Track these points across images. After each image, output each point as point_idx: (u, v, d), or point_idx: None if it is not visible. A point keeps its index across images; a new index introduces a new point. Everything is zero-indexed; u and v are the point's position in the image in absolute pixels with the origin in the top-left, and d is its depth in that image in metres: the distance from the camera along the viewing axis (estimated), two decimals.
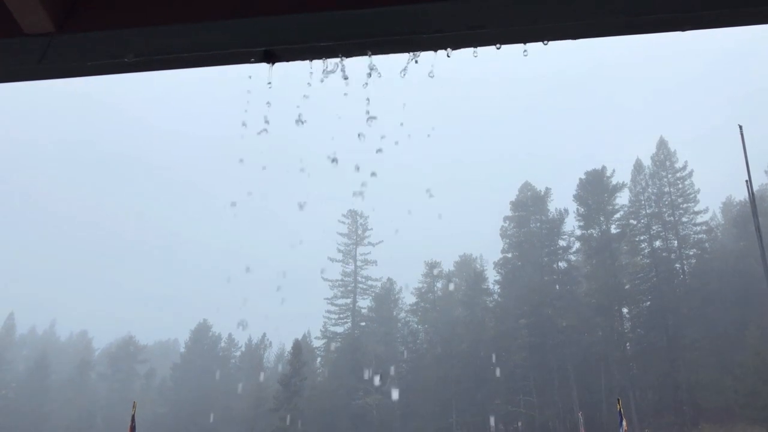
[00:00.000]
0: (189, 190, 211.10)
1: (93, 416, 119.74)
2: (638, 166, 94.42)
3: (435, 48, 1.96)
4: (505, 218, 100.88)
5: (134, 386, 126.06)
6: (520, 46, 1.99)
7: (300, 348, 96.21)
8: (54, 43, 1.85)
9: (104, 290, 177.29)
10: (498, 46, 1.91)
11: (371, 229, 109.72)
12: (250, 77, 2.15)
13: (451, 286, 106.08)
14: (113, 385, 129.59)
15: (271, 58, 2.04)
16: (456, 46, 1.95)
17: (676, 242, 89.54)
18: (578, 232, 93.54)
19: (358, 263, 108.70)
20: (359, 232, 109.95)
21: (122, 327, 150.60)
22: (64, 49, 1.86)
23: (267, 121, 2.46)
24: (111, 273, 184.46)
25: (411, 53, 2.05)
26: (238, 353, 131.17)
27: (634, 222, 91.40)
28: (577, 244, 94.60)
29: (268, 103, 2.51)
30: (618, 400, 23.53)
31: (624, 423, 21.26)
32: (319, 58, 2.11)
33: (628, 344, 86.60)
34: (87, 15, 1.81)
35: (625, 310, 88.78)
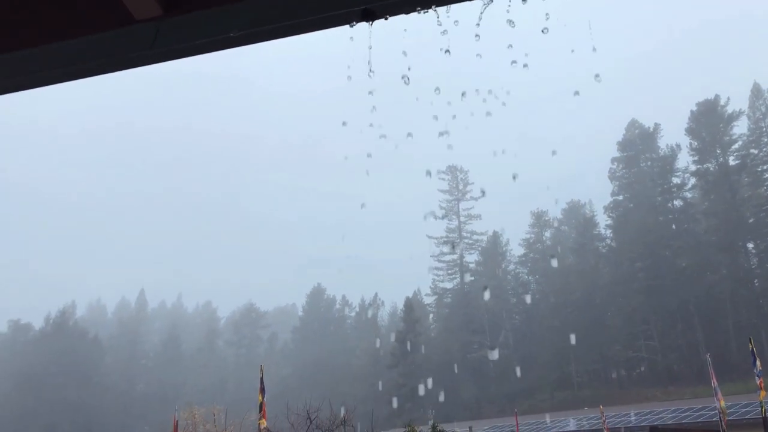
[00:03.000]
0: (293, 157, 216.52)
1: (224, 381, 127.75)
2: (756, 92, 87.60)
3: None
4: (613, 160, 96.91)
5: (258, 350, 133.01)
6: None
7: (411, 305, 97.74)
8: (163, 26, 1.90)
9: (224, 261, 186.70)
10: None
11: (472, 183, 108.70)
12: (351, 38, 2.13)
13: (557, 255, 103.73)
14: (239, 350, 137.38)
15: (369, 16, 2.02)
16: None
17: None
18: (693, 168, 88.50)
19: (462, 218, 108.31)
20: (460, 187, 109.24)
21: (243, 295, 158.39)
22: (172, 32, 1.91)
23: (372, 71, 2.45)
24: (229, 244, 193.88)
25: None
26: (353, 313, 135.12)
27: (755, 151, 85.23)
28: (693, 180, 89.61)
29: (370, 70, 2.49)
30: (750, 339, 22.29)
31: (758, 363, 20.10)
32: (416, 9, 2.06)
33: (756, 281, 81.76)
34: None
35: (750, 246, 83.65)
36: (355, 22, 1.99)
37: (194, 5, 1.87)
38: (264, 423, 24.14)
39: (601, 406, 29.08)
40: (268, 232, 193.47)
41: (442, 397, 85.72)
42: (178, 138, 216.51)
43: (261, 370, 25.14)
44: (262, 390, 24.40)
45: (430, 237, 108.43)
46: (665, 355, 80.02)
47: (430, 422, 32.57)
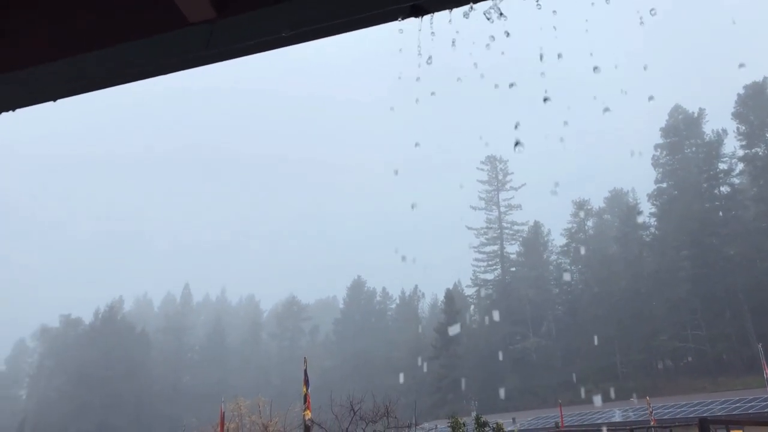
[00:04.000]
0: (331, 157, 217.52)
1: (268, 372, 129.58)
2: None
3: None
4: (656, 146, 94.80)
5: (301, 343, 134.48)
6: None
7: (452, 297, 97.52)
8: (216, 28, 1.94)
9: (265, 255, 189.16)
10: None
11: (512, 173, 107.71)
12: (401, 31, 2.14)
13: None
14: (282, 343, 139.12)
15: (418, 11, 2.03)
16: None
17: None
18: (741, 153, 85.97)
19: (502, 209, 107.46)
20: (500, 177, 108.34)
21: (285, 288, 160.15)
22: (225, 33, 1.95)
23: (428, 61, 2.46)
24: (271, 238, 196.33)
25: None
26: (393, 305, 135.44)
27: None
28: (741, 166, 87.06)
29: (424, 59, 2.50)
30: None
31: None
32: (467, 3, 2.06)
33: None
34: None
35: None
36: (403, 18, 2.00)
37: (246, 6, 1.91)
38: (309, 414, 24.42)
39: (647, 397, 28.64)
40: (308, 225, 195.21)
41: (484, 389, 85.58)
42: (223, 134, 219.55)
43: (305, 362, 25.39)
44: (306, 382, 24.66)
45: (469, 228, 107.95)
46: (713, 345, 78.22)
47: (473, 414, 32.55)
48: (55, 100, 2.31)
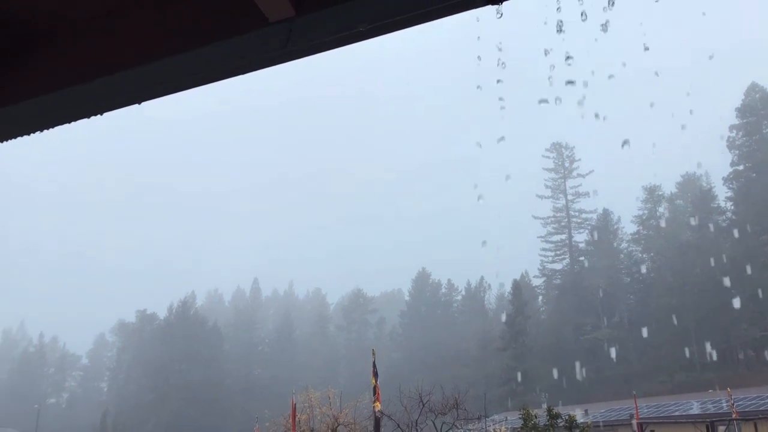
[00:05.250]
0: (401, 144, 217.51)
1: (336, 364, 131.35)
2: None
3: None
4: (731, 127, 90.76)
5: (368, 335, 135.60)
6: None
7: (519, 288, 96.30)
8: (295, 26, 1.97)
9: (331, 249, 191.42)
10: None
11: (579, 159, 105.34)
12: (477, 20, 2.12)
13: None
14: (349, 335, 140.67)
15: None
16: None
17: None
18: None
19: (569, 197, 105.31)
20: (566, 164, 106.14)
21: (350, 281, 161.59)
22: (304, 31, 1.97)
23: (500, 49, 2.43)
24: (336, 232, 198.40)
25: None
26: (459, 297, 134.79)
27: None
28: None
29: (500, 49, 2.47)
30: None
31: None
32: None
33: None
34: None
35: None
36: (481, 6, 1.97)
37: (324, 3, 1.92)
38: (378, 406, 24.64)
39: (728, 389, 27.61)
40: (372, 219, 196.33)
41: (553, 380, 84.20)
42: (291, 125, 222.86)
43: (373, 354, 25.59)
44: (375, 374, 24.85)
45: (536, 218, 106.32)
46: None
47: (544, 405, 32.09)
48: (140, 102, 2.39)
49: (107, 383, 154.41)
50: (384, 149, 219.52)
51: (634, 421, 35.18)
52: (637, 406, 35.37)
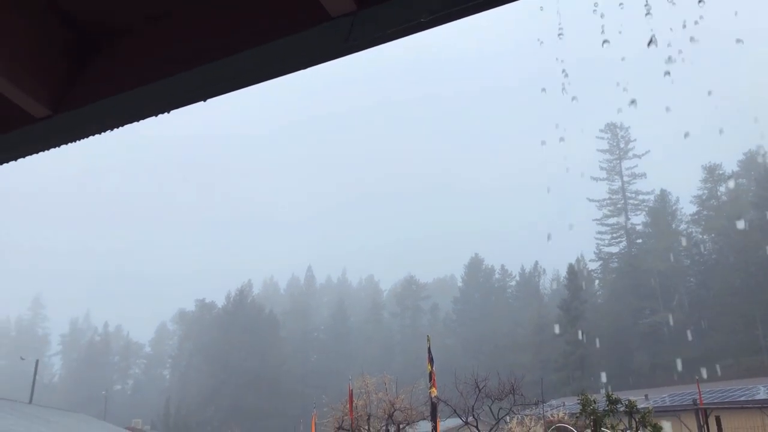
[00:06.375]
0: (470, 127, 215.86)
1: (391, 351, 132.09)
2: None
3: None
4: None
5: (421, 321, 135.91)
6: None
7: (575, 272, 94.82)
8: (357, 20, 1.97)
9: (383, 236, 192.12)
10: None
11: (634, 140, 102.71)
12: (541, 8, 2.08)
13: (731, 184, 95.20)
14: (403, 321, 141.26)
15: None
16: None
17: None
18: None
19: (625, 178, 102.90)
20: (621, 145, 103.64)
21: (402, 268, 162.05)
22: (366, 24, 1.98)
23: (561, 32, 2.38)
24: (387, 219, 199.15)
25: None
26: (513, 283, 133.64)
27: None
28: None
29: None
30: None
31: None
32: None
33: None
34: None
35: None
36: None
37: None
38: (435, 392, 24.72)
39: None
40: (422, 205, 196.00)
41: (611, 365, 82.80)
42: (345, 116, 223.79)
43: (428, 340, 25.66)
44: (431, 360, 24.92)
45: (591, 200, 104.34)
46: None
47: (602, 390, 31.60)
48: (205, 100, 2.44)
49: (169, 370, 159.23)
50: (438, 134, 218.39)
51: (698, 407, 34.32)
52: (700, 391, 34.47)
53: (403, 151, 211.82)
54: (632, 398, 28.57)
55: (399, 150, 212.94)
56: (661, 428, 17.14)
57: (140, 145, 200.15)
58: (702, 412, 32.56)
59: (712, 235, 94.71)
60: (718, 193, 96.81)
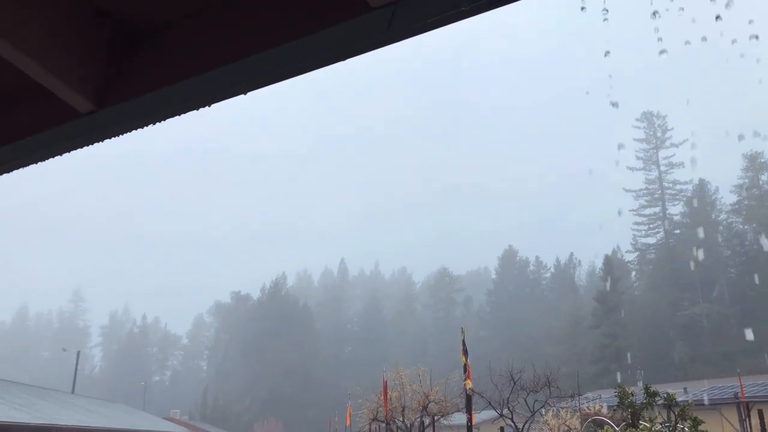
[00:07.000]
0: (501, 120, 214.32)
1: (424, 342, 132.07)
2: None
3: None
4: None
5: (455, 313, 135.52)
6: None
7: (611, 263, 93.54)
8: (398, 10, 1.96)
9: (416, 229, 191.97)
10: None
11: (671, 128, 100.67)
12: (583, 9, 2.05)
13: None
14: (436, 313, 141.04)
15: None
16: None
17: None
18: None
19: (662, 168, 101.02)
20: (658, 134, 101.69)
21: (436, 260, 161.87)
22: (406, 14, 1.96)
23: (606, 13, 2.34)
24: (420, 212, 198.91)
25: None
26: (548, 275, 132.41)
27: None
28: None
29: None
30: None
31: None
32: None
33: None
34: None
35: None
36: None
37: None
38: (469, 384, 24.66)
39: None
40: (455, 197, 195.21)
41: (649, 358, 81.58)
42: (378, 116, 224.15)
43: (462, 332, 25.58)
44: (465, 352, 24.85)
45: (627, 191, 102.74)
46: None
47: (640, 383, 31.11)
48: (245, 93, 2.45)
49: (206, 362, 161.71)
50: (469, 129, 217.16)
51: (740, 401, 33.62)
52: (742, 385, 33.76)
53: (440, 156, 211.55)
54: (671, 391, 28.10)
55: (437, 156, 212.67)
56: (701, 422, 16.77)
57: (198, 148, 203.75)
58: (744, 406, 31.90)
59: (754, 225, 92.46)
60: (760, 182, 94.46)
